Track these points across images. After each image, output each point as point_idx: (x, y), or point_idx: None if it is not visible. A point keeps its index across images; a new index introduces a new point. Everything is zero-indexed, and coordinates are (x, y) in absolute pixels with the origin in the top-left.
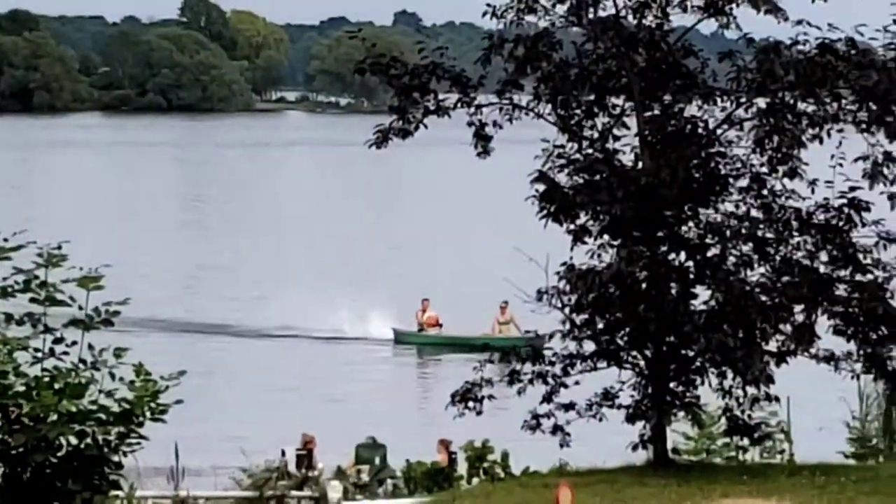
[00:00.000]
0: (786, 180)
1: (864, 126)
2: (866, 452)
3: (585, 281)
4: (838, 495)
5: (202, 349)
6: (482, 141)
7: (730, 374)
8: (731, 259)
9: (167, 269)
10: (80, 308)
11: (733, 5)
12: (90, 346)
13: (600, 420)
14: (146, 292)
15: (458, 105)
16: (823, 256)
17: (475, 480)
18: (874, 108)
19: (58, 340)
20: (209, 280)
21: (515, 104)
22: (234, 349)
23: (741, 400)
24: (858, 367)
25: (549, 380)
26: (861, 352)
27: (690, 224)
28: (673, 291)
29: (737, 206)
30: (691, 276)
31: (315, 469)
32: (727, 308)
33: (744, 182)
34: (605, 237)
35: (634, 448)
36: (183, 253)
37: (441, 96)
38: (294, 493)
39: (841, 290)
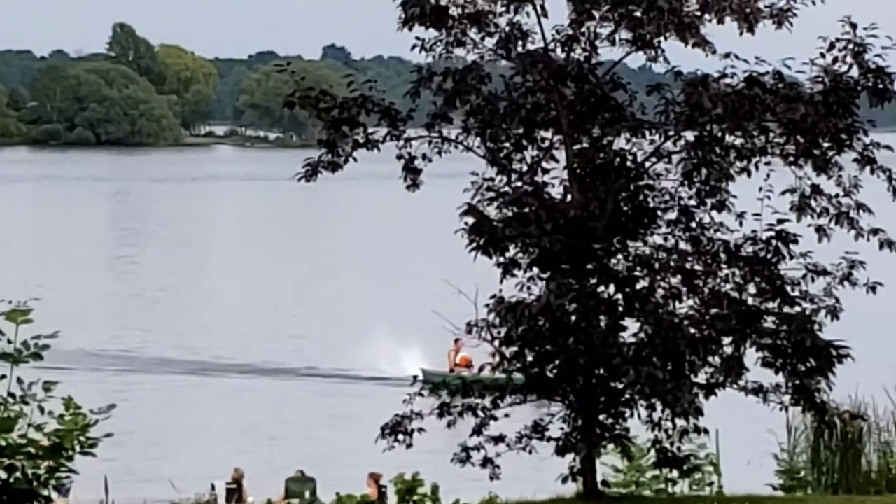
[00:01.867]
0: (714, 213)
1: (791, 159)
2: (794, 485)
3: (515, 314)
4: None
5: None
6: (411, 174)
7: (659, 407)
8: (660, 291)
9: (96, 303)
10: (9, 342)
11: (661, 39)
12: (19, 380)
13: (530, 452)
14: (76, 326)
15: (388, 138)
16: (752, 289)
17: None
18: (802, 140)
19: None
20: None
21: (444, 137)
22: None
23: (670, 432)
24: (787, 399)
25: (479, 412)
26: (789, 384)
27: (619, 257)
28: (602, 324)
29: (665, 239)
30: (620, 308)
31: (244, 502)
32: (656, 340)
33: (672, 215)
34: (535, 270)
35: (564, 480)
36: (113, 286)
37: (370, 129)
38: None
39: (769, 322)
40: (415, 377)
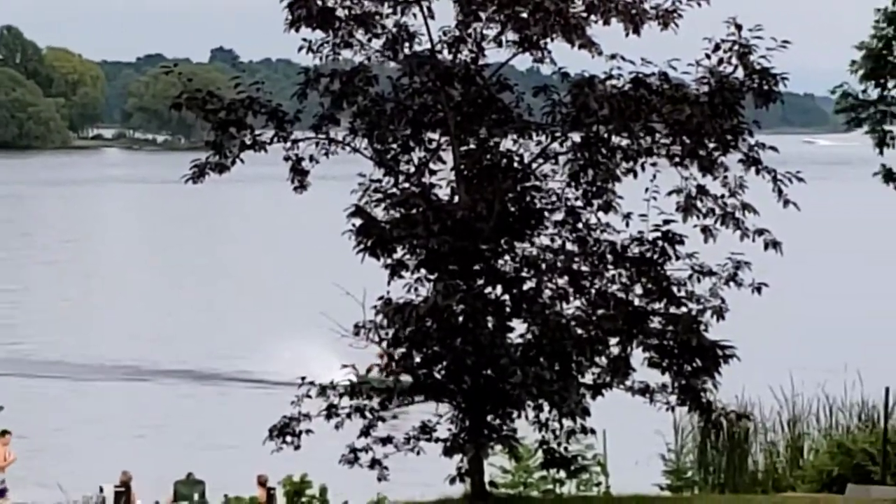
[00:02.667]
0: (600, 214)
1: (677, 160)
2: (682, 485)
3: (402, 315)
4: None
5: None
6: (299, 175)
7: (546, 407)
8: (547, 292)
9: None
10: None
11: (547, 40)
12: None
13: (418, 453)
14: None
15: (275, 140)
16: (638, 289)
17: None
18: (687, 141)
19: None
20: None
21: (332, 139)
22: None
23: (557, 433)
24: (673, 399)
25: (367, 414)
26: (675, 384)
27: (506, 258)
28: (489, 325)
29: (552, 240)
30: (508, 309)
31: None
32: (543, 341)
33: (559, 216)
34: (422, 271)
35: (452, 481)
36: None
37: (257, 131)
38: None
39: (655, 322)
40: (303, 378)
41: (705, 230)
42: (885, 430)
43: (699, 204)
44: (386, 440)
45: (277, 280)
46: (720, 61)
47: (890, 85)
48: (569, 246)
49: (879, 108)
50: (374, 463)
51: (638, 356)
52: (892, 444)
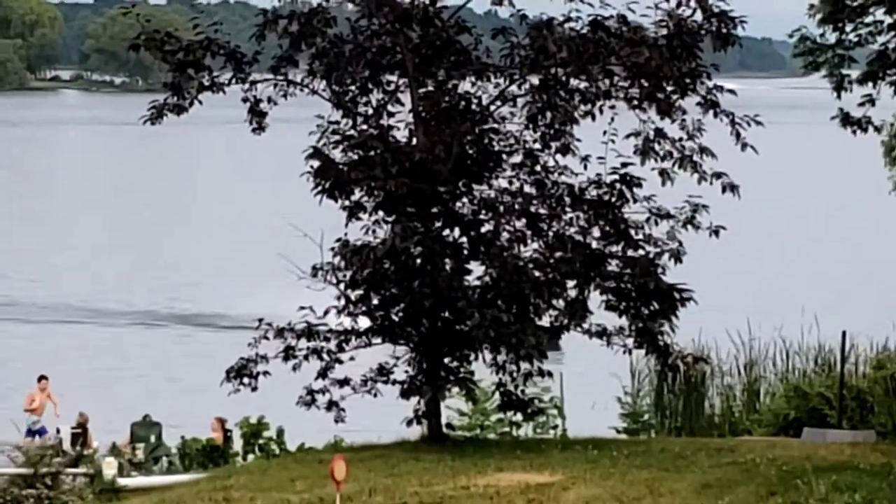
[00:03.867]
0: (559, 156)
1: (635, 103)
2: (638, 428)
3: (360, 257)
4: (610, 469)
5: None
6: (257, 117)
7: (503, 350)
8: (505, 235)
9: None
10: None
11: None
12: None
13: (375, 395)
14: None
15: (233, 81)
16: (596, 232)
17: (251, 457)
18: (645, 84)
19: None
20: None
21: (290, 80)
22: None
23: (515, 375)
24: (630, 342)
25: (324, 356)
26: (633, 327)
27: (464, 200)
28: (447, 267)
29: (510, 183)
30: (465, 251)
31: (90, 447)
32: (501, 283)
33: (517, 158)
34: (380, 213)
35: (409, 423)
36: None
37: (215, 73)
38: (69, 470)
39: (613, 265)
40: (260, 320)
41: (663, 173)
42: (842, 374)
43: (657, 147)
44: (343, 382)
45: (236, 222)
46: (679, 4)
47: (848, 29)
48: (527, 188)
49: (837, 52)
50: (331, 405)
51: (595, 299)
52: (848, 388)
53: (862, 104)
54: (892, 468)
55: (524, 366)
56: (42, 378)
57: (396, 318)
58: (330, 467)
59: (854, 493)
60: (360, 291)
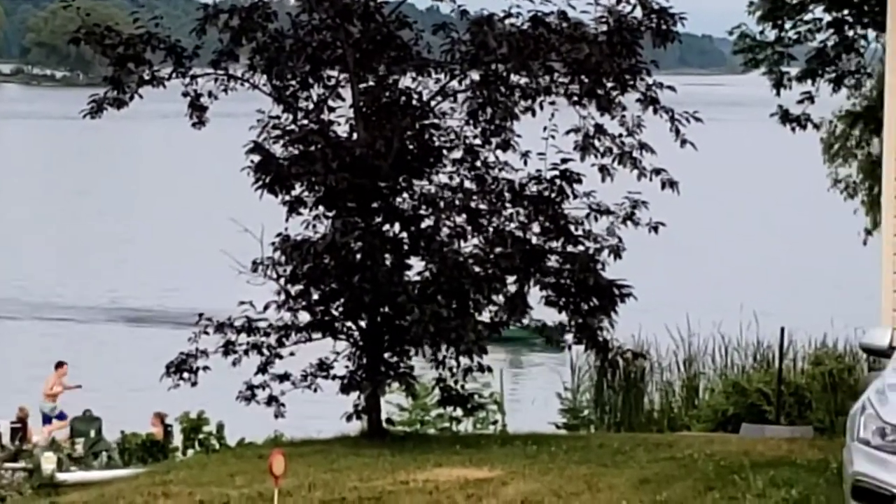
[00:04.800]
0: (499, 152)
1: (575, 99)
2: (578, 424)
3: (300, 252)
4: (549, 464)
5: None
6: (197, 111)
7: (443, 345)
8: (445, 230)
9: None
10: None
11: None
12: None
13: (315, 391)
14: None
15: (173, 75)
16: (536, 228)
17: (190, 452)
18: (586, 80)
19: None
20: None
21: (230, 75)
22: None
23: (454, 370)
24: (570, 338)
25: (264, 351)
26: (572, 323)
27: (405, 195)
28: (387, 262)
29: (450, 178)
30: (406, 247)
31: (29, 441)
32: (441, 279)
33: (457, 154)
34: (321, 208)
35: (349, 418)
36: None
37: (156, 67)
38: (7, 464)
39: (553, 261)
40: (200, 315)
41: (603, 169)
42: (780, 371)
43: (597, 143)
44: (283, 377)
45: (177, 216)
46: (618, 0)
47: (787, 26)
48: (467, 184)
49: (776, 49)
50: (271, 400)
51: (535, 295)
52: (787, 384)
53: (801, 101)
54: (830, 464)
55: (464, 361)
56: (60, 364)
57: (336, 314)
58: (268, 462)
59: (791, 488)
60: (301, 286)
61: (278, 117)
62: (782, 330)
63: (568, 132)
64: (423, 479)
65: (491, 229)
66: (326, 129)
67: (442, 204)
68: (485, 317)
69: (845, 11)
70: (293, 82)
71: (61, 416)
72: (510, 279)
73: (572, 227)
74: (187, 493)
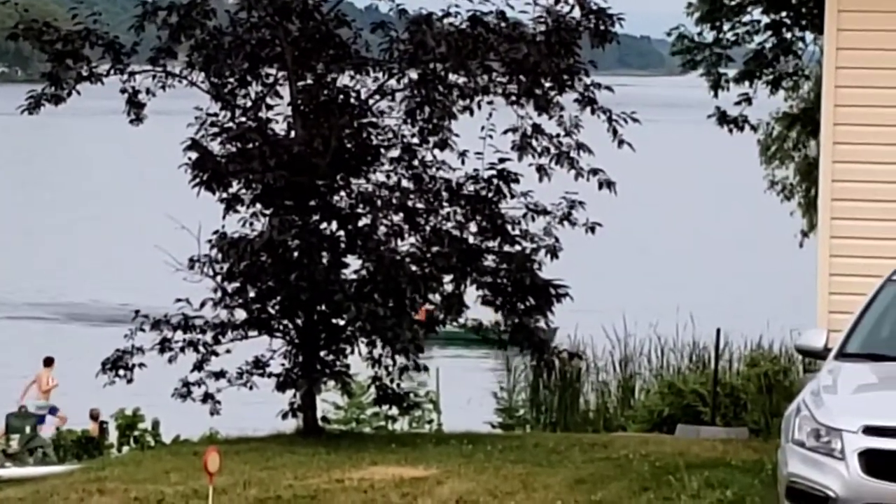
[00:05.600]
0: (436, 151)
1: (513, 98)
2: (514, 423)
3: (237, 249)
4: (485, 463)
5: None
6: (135, 108)
7: (379, 344)
8: (382, 229)
9: None
10: None
11: None
12: None
13: (251, 388)
14: None
15: (112, 72)
16: (473, 227)
17: (126, 449)
18: (524, 80)
19: None
20: None
21: (169, 72)
22: None
23: (390, 369)
24: (506, 337)
25: (200, 348)
26: (509, 322)
27: (342, 194)
28: (324, 260)
29: (388, 177)
30: (342, 245)
31: None
32: (378, 277)
33: (395, 152)
34: (258, 206)
35: (284, 416)
36: None
37: (94, 63)
38: None
39: (489, 260)
40: (137, 312)
41: (540, 169)
42: (716, 371)
43: (534, 143)
44: (219, 374)
45: (114, 213)
46: (557, 1)
47: (725, 28)
48: (404, 183)
49: (714, 50)
50: (207, 397)
51: (472, 294)
52: (722, 385)
53: (738, 103)
54: (764, 465)
55: (400, 360)
56: (49, 361)
57: (273, 311)
58: (203, 459)
59: (726, 489)
60: (237, 284)
61: (216, 114)
62: (718, 331)
63: (506, 132)
64: (358, 477)
65: (428, 228)
66: (264, 127)
67: (379, 202)
68: (421, 316)
69: (783, 14)
70: (231, 80)
71: (53, 411)
72: (447, 278)
73: (509, 227)
74: (122, 490)
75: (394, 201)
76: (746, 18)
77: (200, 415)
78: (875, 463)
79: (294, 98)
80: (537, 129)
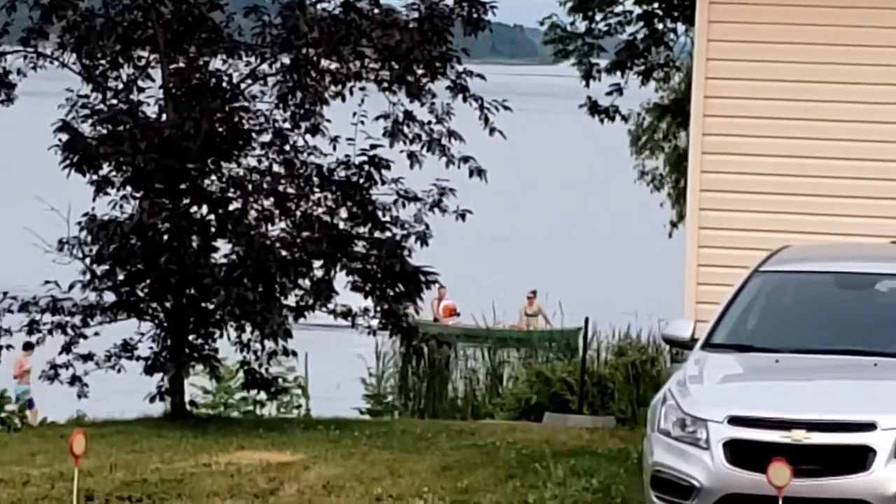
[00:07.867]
0: (308, 136)
1: (385, 85)
2: (382, 409)
3: (107, 232)
4: (352, 449)
5: None
6: (6, 88)
7: (248, 328)
8: (253, 213)
9: None
10: None
11: None
12: None
13: (119, 371)
14: None
15: None
16: (343, 213)
17: None
18: (396, 67)
19: None
20: None
21: (40, 53)
22: None
23: (259, 354)
24: (375, 323)
25: (69, 330)
26: (378, 308)
27: (213, 178)
28: (194, 244)
29: (259, 161)
30: (213, 229)
31: None
32: (247, 262)
33: (266, 137)
34: (128, 188)
35: (152, 400)
36: None
37: None
38: None
39: (360, 246)
40: (5, 293)
41: (411, 156)
42: (584, 360)
43: (406, 129)
44: (87, 357)
45: None
46: None
47: (597, 18)
48: (276, 168)
49: (586, 40)
50: (75, 379)
51: (342, 279)
52: (590, 374)
53: (609, 93)
54: (630, 454)
55: (269, 344)
56: (29, 346)
57: (142, 294)
58: (69, 442)
59: (592, 477)
60: (106, 267)
61: (87, 96)
62: (586, 320)
63: (377, 118)
64: (225, 461)
65: (298, 213)
66: (135, 110)
67: (250, 187)
68: (290, 301)
69: (655, 5)
70: (103, 62)
71: (29, 404)
72: (317, 264)
73: (380, 213)
74: None
75: (265, 186)
76: (618, 9)
77: (68, 397)
78: (740, 453)
79: (166, 81)
80: (409, 115)
